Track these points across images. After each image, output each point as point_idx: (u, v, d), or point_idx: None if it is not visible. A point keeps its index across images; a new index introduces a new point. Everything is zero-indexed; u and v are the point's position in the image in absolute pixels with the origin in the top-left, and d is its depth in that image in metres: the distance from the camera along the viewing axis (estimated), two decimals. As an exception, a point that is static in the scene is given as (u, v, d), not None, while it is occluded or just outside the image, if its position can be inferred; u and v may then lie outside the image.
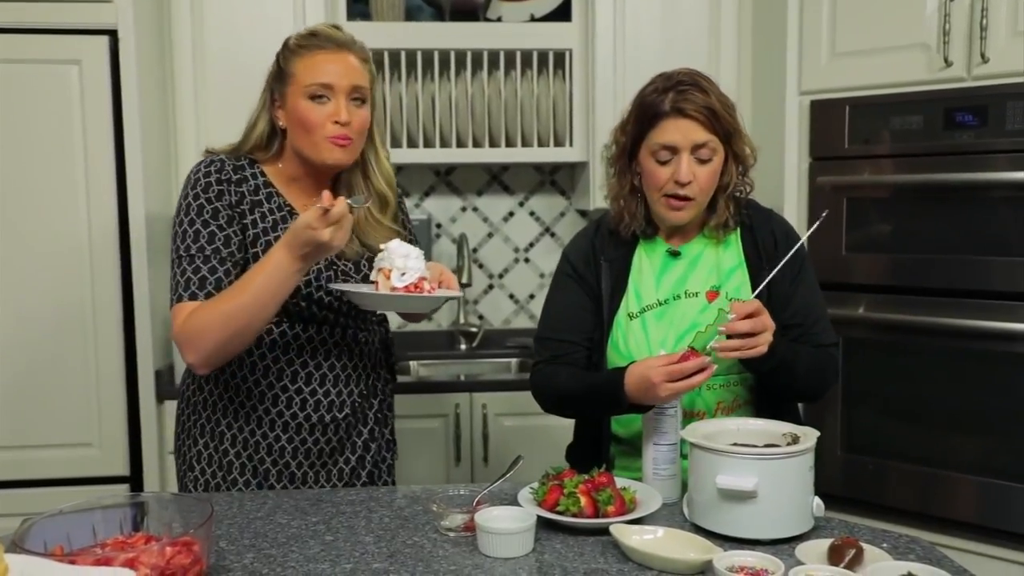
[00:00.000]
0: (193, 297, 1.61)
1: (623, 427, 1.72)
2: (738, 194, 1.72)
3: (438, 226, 3.29)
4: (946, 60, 2.26)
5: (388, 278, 1.60)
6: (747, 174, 1.72)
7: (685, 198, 1.63)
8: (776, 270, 1.60)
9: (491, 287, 3.34)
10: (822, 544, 1.31)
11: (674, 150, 1.62)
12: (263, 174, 1.75)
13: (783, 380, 1.63)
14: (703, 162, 1.63)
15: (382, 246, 1.65)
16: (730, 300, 1.64)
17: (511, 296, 3.34)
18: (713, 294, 1.69)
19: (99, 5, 2.44)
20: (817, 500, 1.41)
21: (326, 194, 1.50)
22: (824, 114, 2.50)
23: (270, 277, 1.54)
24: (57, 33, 2.43)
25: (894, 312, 2.38)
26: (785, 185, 2.59)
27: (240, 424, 1.74)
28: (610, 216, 1.76)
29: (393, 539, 1.42)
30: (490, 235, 3.32)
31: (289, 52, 1.71)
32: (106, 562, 1.19)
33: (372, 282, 1.65)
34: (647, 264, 1.73)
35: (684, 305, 1.69)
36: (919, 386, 2.36)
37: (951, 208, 2.27)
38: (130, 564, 1.15)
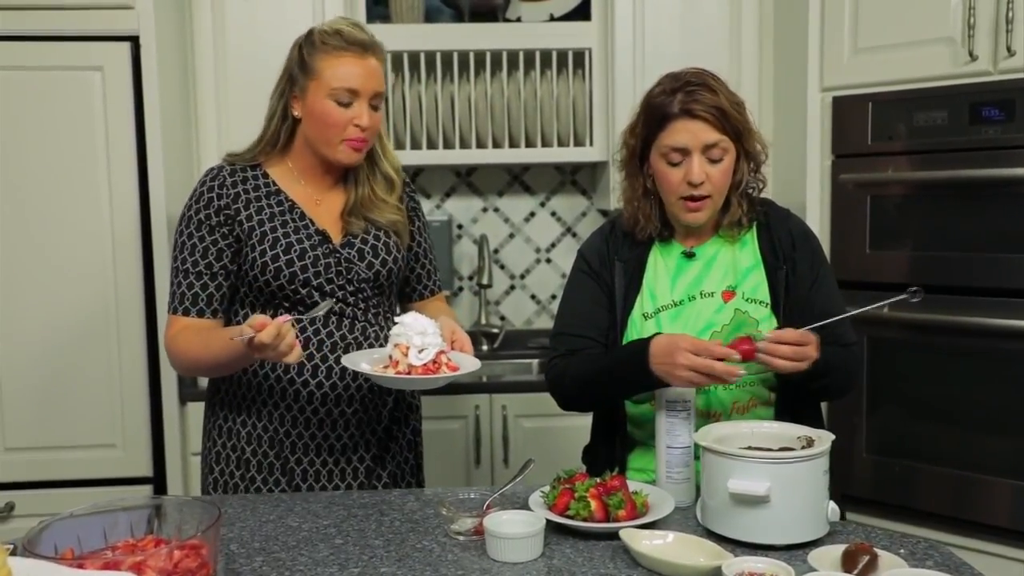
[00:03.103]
0: (186, 312, 1.73)
1: (638, 427, 1.71)
2: (751, 191, 1.70)
3: (459, 227, 3.29)
4: (971, 54, 2.21)
5: (406, 355, 1.58)
6: (759, 171, 1.70)
7: (701, 197, 1.62)
8: (828, 322, 1.56)
9: (513, 288, 3.33)
10: (836, 550, 1.28)
11: (685, 151, 1.60)
12: (266, 175, 1.78)
13: (813, 385, 1.61)
14: (714, 162, 1.61)
15: (396, 319, 1.63)
16: (760, 332, 1.57)
17: (533, 297, 3.33)
18: (729, 294, 1.66)
19: (121, 12, 2.47)
20: (832, 505, 1.39)
21: (282, 318, 1.52)
22: (846, 111, 2.46)
23: (227, 348, 1.62)
24: (80, 40, 2.46)
25: (919, 311, 2.31)
26: (807, 183, 2.56)
27: (253, 421, 1.77)
28: (624, 219, 1.75)
29: (403, 543, 1.42)
30: (511, 236, 3.31)
31: (313, 47, 1.72)
32: (114, 566, 1.19)
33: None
34: (662, 265, 1.72)
35: (700, 305, 1.67)
36: (946, 387, 2.31)
37: (977, 204, 2.22)
38: (137, 568, 1.15)
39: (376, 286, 1.80)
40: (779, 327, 1.60)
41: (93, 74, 2.47)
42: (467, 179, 3.30)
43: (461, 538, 1.42)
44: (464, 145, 3.00)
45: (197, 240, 1.73)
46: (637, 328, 1.68)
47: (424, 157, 2.99)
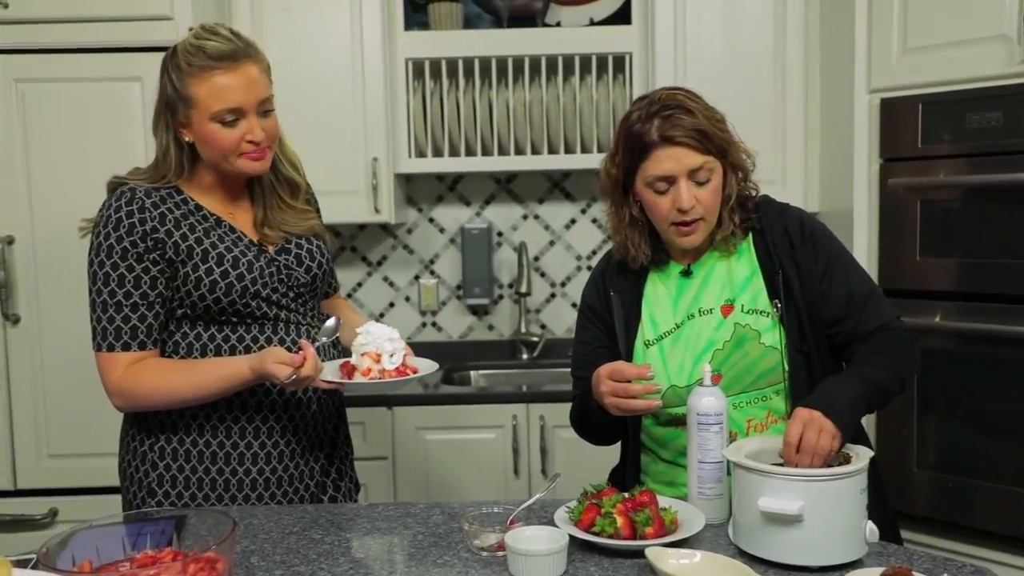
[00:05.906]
0: (126, 347, 1.64)
1: (662, 447, 1.66)
2: (744, 201, 1.63)
3: (499, 234, 3.26)
4: (1027, 52, 2.12)
5: (378, 361, 1.64)
6: (748, 179, 1.64)
7: (693, 221, 1.57)
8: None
9: (553, 295, 3.29)
10: (872, 572, 1.22)
11: (670, 179, 1.55)
12: (180, 192, 1.71)
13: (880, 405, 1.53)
14: (702, 184, 1.55)
15: (359, 330, 1.66)
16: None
17: (574, 305, 3.27)
18: (728, 308, 1.61)
19: (160, 23, 2.50)
20: (871, 525, 1.32)
21: (306, 346, 1.56)
22: (895, 113, 2.38)
23: (224, 382, 1.62)
24: (119, 51, 2.49)
25: (972, 320, 2.23)
26: (855, 187, 2.47)
27: (207, 439, 1.69)
28: (615, 249, 1.71)
29: (424, 558, 1.39)
30: (552, 243, 3.27)
31: (181, 72, 1.61)
32: (130, 578, 1.19)
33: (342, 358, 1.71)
34: (662, 289, 1.67)
35: (699, 324, 1.62)
36: (1002, 399, 2.21)
37: (1034, 209, 2.13)
38: (150, 581, 1.15)
39: (312, 289, 1.79)
40: (785, 334, 1.56)
41: (132, 84, 2.50)
42: (507, 186, 3.27)
43: (484, 554, 1.38)
44: (503, 152, 2.98)
45: (125, 270, 1.63)
46: (641, 358, 1.64)
47: (463, 164, 2.98)
